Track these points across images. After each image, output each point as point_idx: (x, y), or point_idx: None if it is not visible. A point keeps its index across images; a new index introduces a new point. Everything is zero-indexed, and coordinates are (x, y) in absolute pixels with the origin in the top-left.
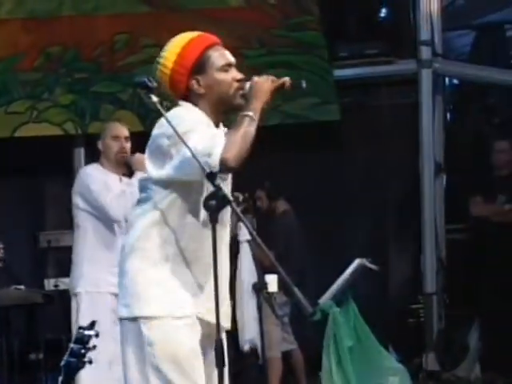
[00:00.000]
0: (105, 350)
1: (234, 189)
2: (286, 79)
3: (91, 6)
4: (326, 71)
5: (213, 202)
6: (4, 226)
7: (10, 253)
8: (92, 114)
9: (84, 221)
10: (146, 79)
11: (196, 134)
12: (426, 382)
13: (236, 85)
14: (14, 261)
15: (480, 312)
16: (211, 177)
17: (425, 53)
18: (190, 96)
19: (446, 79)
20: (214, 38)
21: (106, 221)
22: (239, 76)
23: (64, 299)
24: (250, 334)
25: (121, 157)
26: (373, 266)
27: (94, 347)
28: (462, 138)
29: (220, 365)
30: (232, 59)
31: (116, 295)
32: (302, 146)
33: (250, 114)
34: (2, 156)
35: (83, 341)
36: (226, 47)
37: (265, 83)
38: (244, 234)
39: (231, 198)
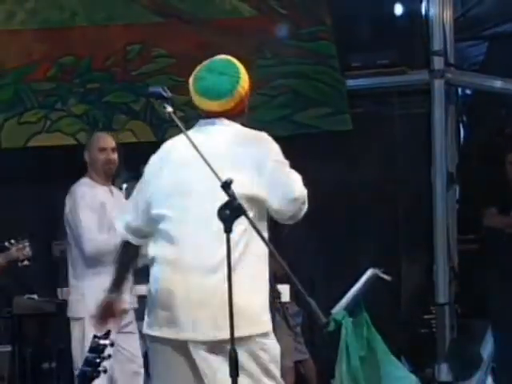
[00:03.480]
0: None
1: None
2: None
3: (104, 16)
4: (337, 81)
5: (227, 212)
6: (17, 235)
7: None
8: (105, 124)
9: None
10: (160, 89)
11: None
12: None
13: None
14: (27, 270)
15: (493, 322)
16: (225, 186)
17: (437, 63)
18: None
19: (459, 89)
20: None
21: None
22: None
23: None
24: None
25: (108, 168)
26: (385, 276)
27: (109, 356)
28: (474, 149)
29: (233, 374)
30: None
31: None
32: (313, 156)
33: None
34: (15, 165)
35: (98, 350)
36: (239, 57)
37: None
38: None
39: (245, 208)
